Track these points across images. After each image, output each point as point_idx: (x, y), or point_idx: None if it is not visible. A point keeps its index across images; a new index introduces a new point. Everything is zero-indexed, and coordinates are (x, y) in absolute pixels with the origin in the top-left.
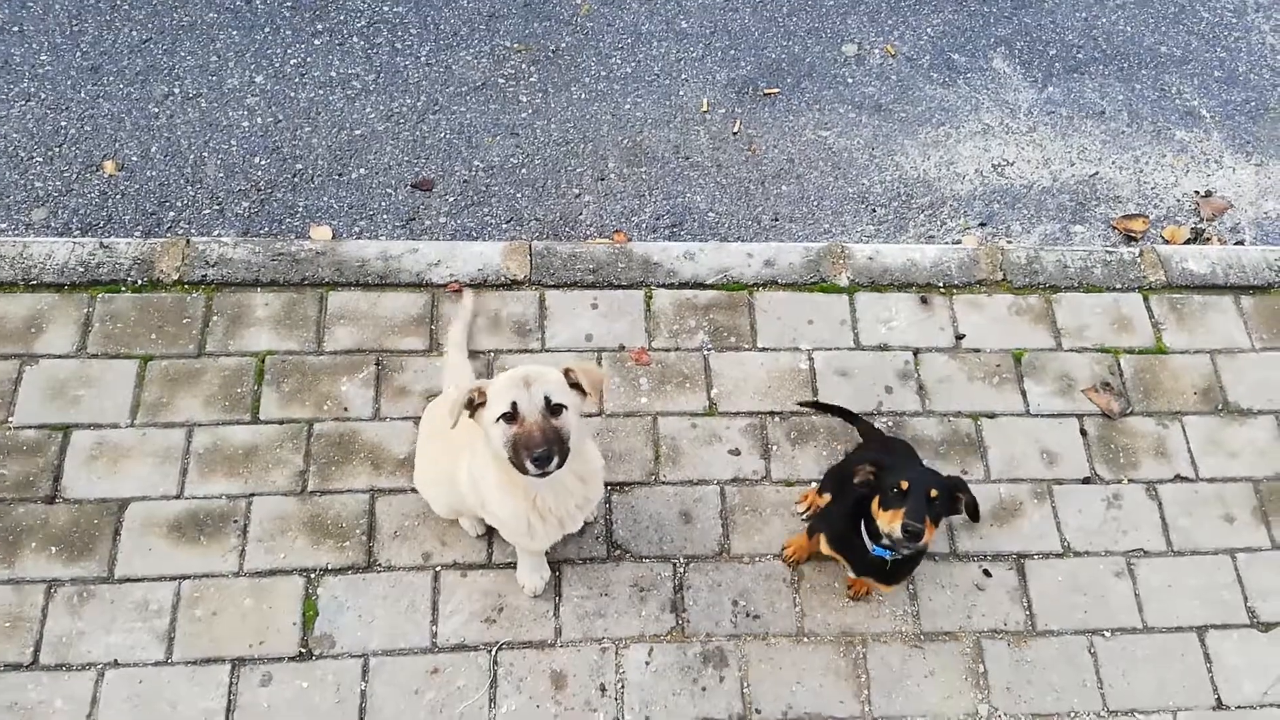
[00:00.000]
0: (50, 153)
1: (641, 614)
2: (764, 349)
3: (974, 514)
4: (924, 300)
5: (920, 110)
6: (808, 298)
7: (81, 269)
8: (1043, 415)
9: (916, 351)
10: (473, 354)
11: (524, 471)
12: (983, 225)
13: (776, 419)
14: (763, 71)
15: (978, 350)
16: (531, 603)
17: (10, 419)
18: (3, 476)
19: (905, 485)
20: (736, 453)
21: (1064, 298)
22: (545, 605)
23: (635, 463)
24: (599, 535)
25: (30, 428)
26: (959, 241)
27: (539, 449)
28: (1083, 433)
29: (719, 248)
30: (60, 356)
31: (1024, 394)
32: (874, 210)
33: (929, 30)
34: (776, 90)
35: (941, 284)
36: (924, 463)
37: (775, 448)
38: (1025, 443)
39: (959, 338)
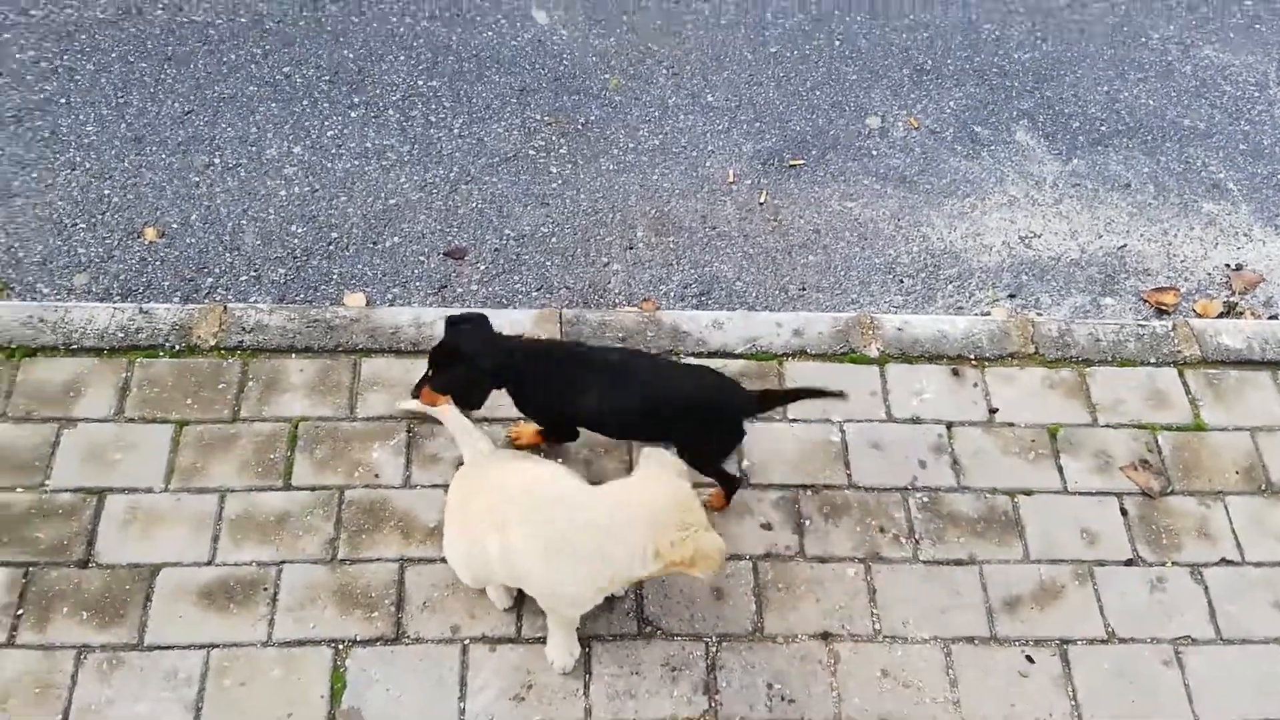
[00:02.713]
0: (93, 219)
1: (673, 695)
2: (794, 420)
3: None
4: (956, 372)
5: (945, 182)
6: (837, 368)
7: (121, 334)
8: (1081, 493)
9: (950, 425)
10: (499, 421)
11: None
12: (1011, 297)
13: (809, 493)
14: (788, 143)
15: (1012, 424)
16: (561, 680)
17: (47, 482)
18: (38, 540)
19: None
20: (768, 527)
21: (1098, 372)
22: (575, 683)
23: None
24: (629, 610)
25: (66, 491)
26: (988, 313)
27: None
28: (1123, 512)
29: (747, 317)
30: (98, 420)
31: (1060, 470)
32: (901, 281)
33: (951, 104)
34: (801, 162)
35: (973, 356)
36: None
37: (808, 522)
38: (1064, 521)
39: (992, 411)
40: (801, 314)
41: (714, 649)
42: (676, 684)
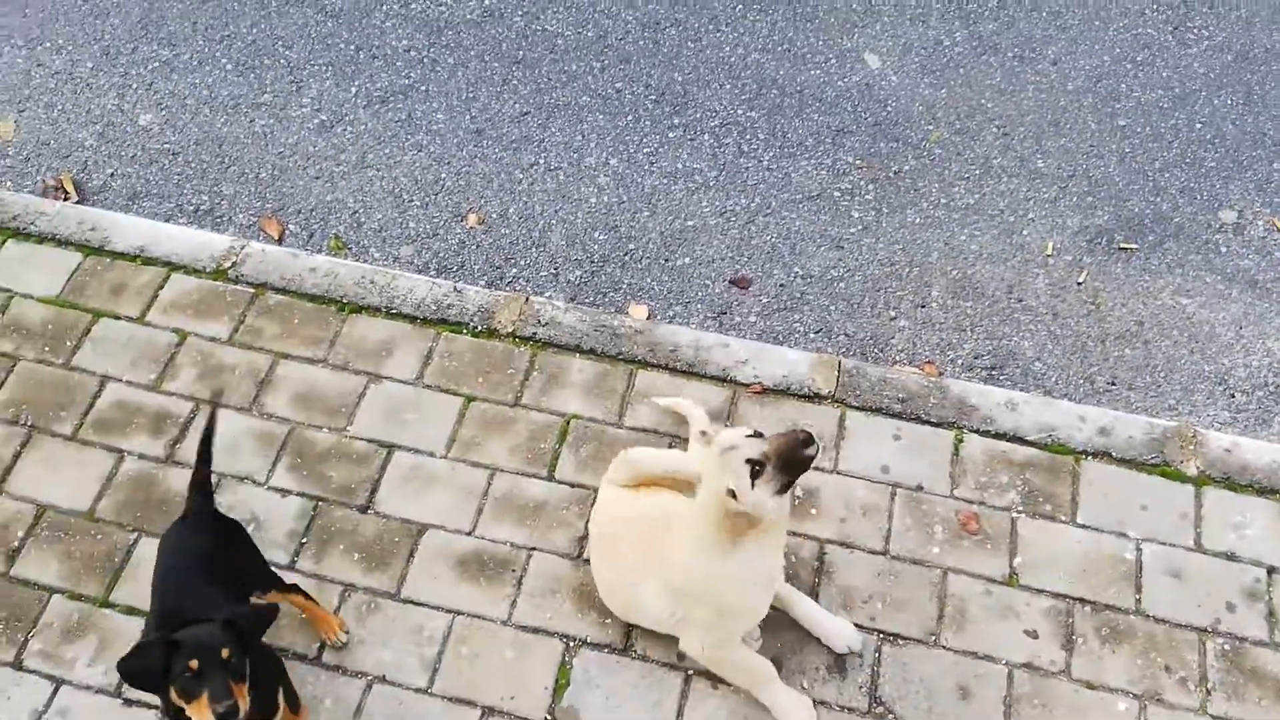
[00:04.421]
0: (427, 199)
1: None
2: (1083, 525)
3: (255, 632)
4: None
5: None
6: (1145, 480)
7: (434, 307)
8: None
9: (1271, 570)
10: None
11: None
12: None
13: (1088, 609)
14: (1121, 224)
15: None
16: None
17: (349, 428)
18: (331, 479)
19: (195, 665)
20: (1034, 635)
21: None
22: None
23: (915, 616)
24: (862, 685)
25: (363, 440)
26: None
27: (809, 442)
28: None
29: (1047, 403)
30: (400, 381)
31: None
32: (1233, 396)
33: None
34: (1135, 246)
35: None
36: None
37: (1081, 641)
38: None
39: None
40: (1110, 412)
41: None
42: None
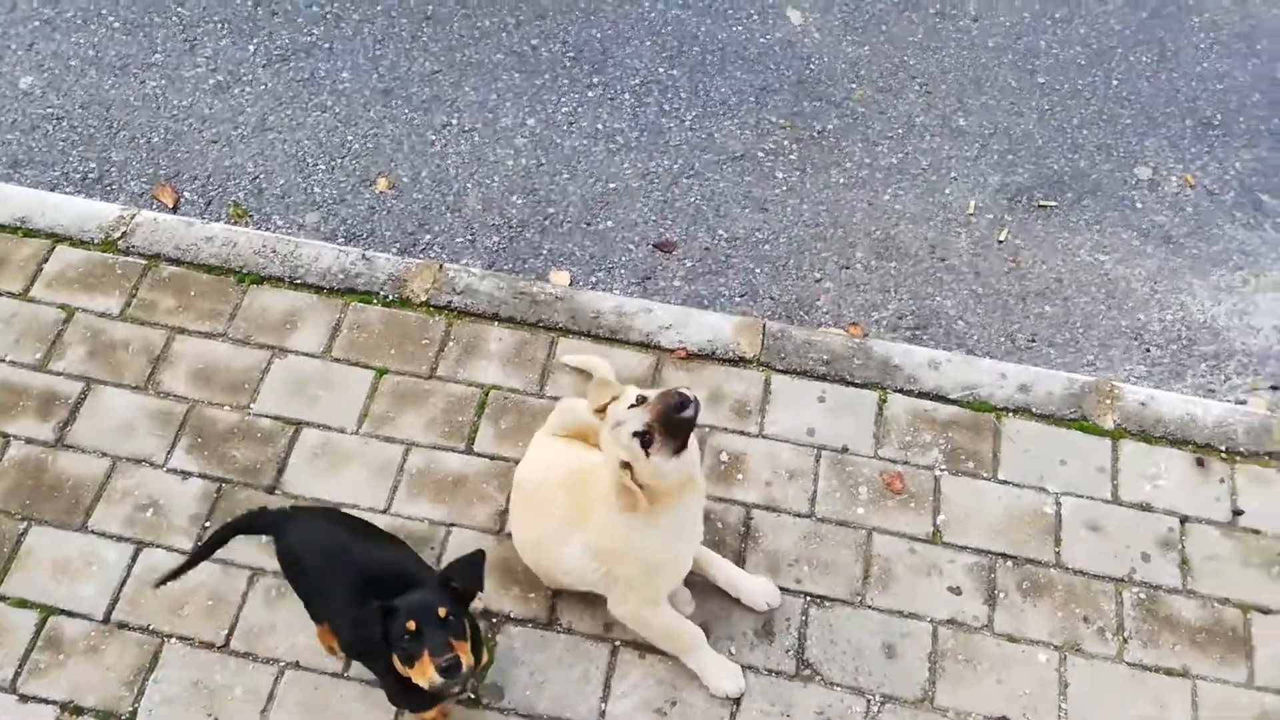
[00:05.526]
0: (333, 163)
1: None
2: (1004, 481)
3: (478, 582)
4: (1200, 463)
5: (1216, 250)
6: (1064, 435)
7: (341, 276)
8: None
9: (1184, 519)
10: None
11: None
12: (1275, 389)
13: (1009, 563)
14: (1041, 182)
15: (1258, 532)
16: (706, 703)
17: (252, 405)
18: (235, 459)
19: (413, 625)
20: (957, 591)
21: None
22: (721, 711)
23: (841, 577)
24: (789, 649)
25: (268, 417)
26: (1243, 402)
27: (685, 403)
28: None
29: (969, 362)
30: (307, 354)
31: None
32: (1148, 350)
33: (1237, 164)
34: (1054, 204)
35: (1223, 448)
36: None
37: (1003, 595)
38: None
39: (1236, 513)
40: (1031, 368)
41: (875, 708)
42: None
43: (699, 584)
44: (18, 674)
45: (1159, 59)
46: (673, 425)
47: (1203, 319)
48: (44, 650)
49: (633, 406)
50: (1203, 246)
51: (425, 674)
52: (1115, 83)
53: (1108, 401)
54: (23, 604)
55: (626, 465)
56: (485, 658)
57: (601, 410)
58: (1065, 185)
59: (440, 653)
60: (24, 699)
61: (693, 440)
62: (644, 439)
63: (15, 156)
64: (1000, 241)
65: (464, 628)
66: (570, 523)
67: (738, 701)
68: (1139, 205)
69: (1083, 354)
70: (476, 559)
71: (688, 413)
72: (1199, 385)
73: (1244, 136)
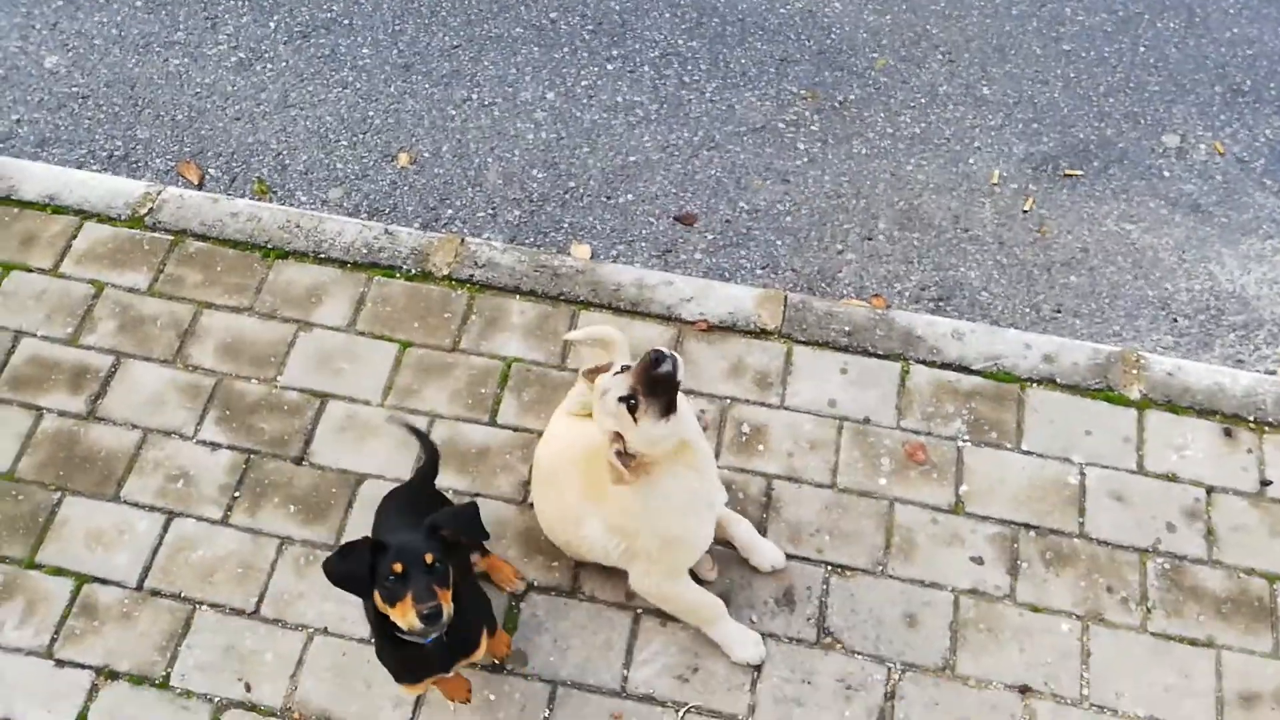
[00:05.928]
0: (355, 138)
1: (845, 715)
2: (1028, 452)
3: (479, 533)
4: (1228, 433)
5: (1246, 218)
6: (1089, 405)
7: (365, 250)
8: None
9: (1210, 490)
10: (706, 397)
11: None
12: None
13: (1031, 533)
14: (1066, 150)
15: None
16: (728, 670)
17: (279, 378)
18: (263, 431)
19: (399, 567)
20: (979, 561)
21: None
22: (742, 678)
23: (862, 547)
24: (810, 617)
25: (294, 390)
26: (1273, 372)
27: (660, 358)
28: None
29: (993, 332)
30: (332, 328)
31: None
32: (1175, 320)
33: (1268, 132)
34: (1080, 173)
35: (1252, 418)
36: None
37: (1025, 565)
38: None
39: (1264, 484)
40: (1056, 339)
41: (896, 676)
42: (850, 704)
43: (719, 553)
44: (54, 640)
45: (1187, 24)
46: (654, 383)
47: (1231, 288)
48: (79, 617)
49: (617, 374)
50: (1232, 215)
51: (405, 617)
52: (1142, 49)
53: (1134, 371)
54: (58, 572)
55: (618, 436)
56: (506, 643)
57: (592, 374)
58: (1091, 154)
59: (424, 599)
60: (60, 664)
61: (686, 406)
62: (630, 403)
63: (43, 135)
64: (1025, 211)
65: (448, 577)
66: (588, 500)
67: (759, 669)
68: (1166, 174)
69: (1109, 324)
70: (470, 510)
71: (665, 368)
72: (1227, 355)
73: (1274, 103)
